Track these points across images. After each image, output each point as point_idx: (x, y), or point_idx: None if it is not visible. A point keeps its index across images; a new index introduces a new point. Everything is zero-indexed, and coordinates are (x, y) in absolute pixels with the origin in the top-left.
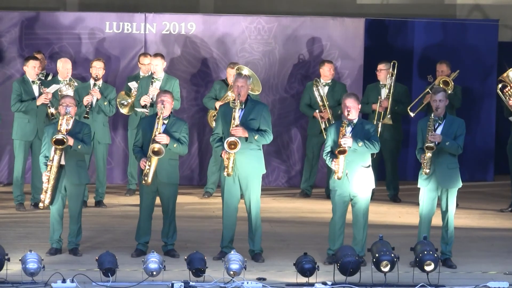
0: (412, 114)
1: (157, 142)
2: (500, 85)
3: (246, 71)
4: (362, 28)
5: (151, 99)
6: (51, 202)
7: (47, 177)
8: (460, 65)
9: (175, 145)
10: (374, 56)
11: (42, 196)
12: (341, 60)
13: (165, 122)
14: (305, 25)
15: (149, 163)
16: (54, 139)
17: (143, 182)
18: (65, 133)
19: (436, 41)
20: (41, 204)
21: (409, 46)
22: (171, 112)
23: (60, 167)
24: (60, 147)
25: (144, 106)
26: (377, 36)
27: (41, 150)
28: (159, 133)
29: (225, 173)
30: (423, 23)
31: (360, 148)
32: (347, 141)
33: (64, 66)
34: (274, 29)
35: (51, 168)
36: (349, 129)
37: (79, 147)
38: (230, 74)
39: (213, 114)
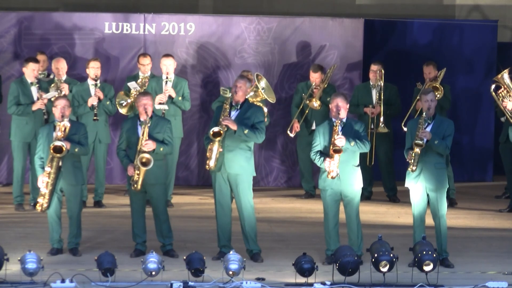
0: (405, 129)
1: (145, 152)
2: (493, 86)
3: (263, 83)
4: (361, 28)
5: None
6: (49, 207)
7: (46, 183)
8: (459, 65)
9: (161, 149)
10: (373, 57)
11: (40, 200)
12: (340, 60)
13: (148, 124)
14: (304, 26)
15: (138, 172)
16: (52, 147)
17: (133, 188)
18: (62, 138)
19: (435, 42)
20: (39, 208)
21: (408, 46)
22: (152, 112)
23: (58, 170)
24: (59, 155)
25: (161, 103)
26: (376, 37)
27: (36, 151)
28: (146, 141)
29: (206, 166)
30: (422, 24)
31: (352, 147)
32: (341, 141)
33: (54, 66)
34: (273, 30)
35: (49, 174)
36: (339, 128)
37: (76, 150)
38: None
39: None
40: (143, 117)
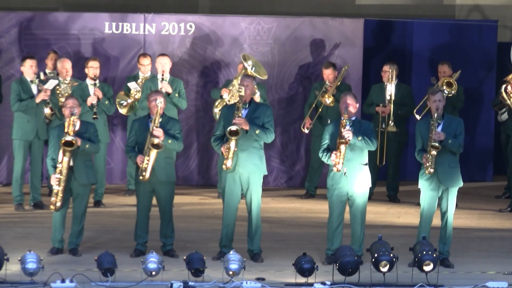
0: (418, 117)
1: (155, 136)
2: (504, 86)
3: (250, 61)
4: (361, 28)
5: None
6: (63, 205)
7: (58, 180)
8: (459, 65)
9: (169, 141)
10: (373, 57)
11: (53, 199)
12: (340, 60)
13: (159, 120)
14: (304, 26)
15: (148, 158)
16: (63, 141)
17: (141, 177)
18: (73, 134)
19: (435, 42)
20: (52, 207)
21: (408, 46)
22: (163, 112)
23: (70, 169)
24: (70, 149)
25: None
26: (376, 37)
27: (48, 152)
28: (156, 127)
29: (224, 167)
30: (422, 24)
31: (359, 143)
32: (348, 134)
33: (63, 66)
34: (273, 30)
35: (61, 170)
36: (347, 123)
37: (86, 146)
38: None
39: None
40: (157, 108)
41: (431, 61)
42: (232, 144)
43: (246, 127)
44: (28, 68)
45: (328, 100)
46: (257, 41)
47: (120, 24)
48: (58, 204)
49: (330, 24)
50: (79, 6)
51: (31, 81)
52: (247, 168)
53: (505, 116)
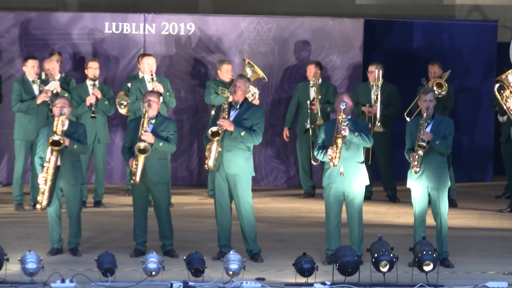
0: (408, 119)
1: (142, 141)
2: (497, 85)
3: (250, 71)
4: (361, 28)
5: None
6: (49, 204)
7: (44, 179)
8: (459, 65)
9: (160, 144)
10: (373, 57)
11: (39, 198)
12: (340, 60)
13: (153, 122)
14: (304, 26)
15: (136, 162)
16: (50, 140)
17: (132, 181)
18: (61, 134)
19: (435, 42)
20: (38, 206)
21: (408, 46)
22: (158, 112)
23: (57, 168)
24: (57, 148)
25: None
26: (376, 37)
27: (36, 151)
28: (145, 131)
29: (205, 166)
30: (422, 24)
31: (355, 139)
32: (345, 130)
33: (46, 67)
34: (273, 30)
35: (47, 169)
36: (343, 120)
37: (75, 146)
38: (222, 71)
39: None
40: (144, 111)
41: (430, 61)
42: (214, 145)
43: (230, 129)
44: (30, 69)
45: (321, 121)
46: (257, 41)
47: (120, 24)
48: (44, 203)
49: (330, 24)
50: (79, 6)
51: (33, 81)
52: (232, 169)
53: (506, 118)
